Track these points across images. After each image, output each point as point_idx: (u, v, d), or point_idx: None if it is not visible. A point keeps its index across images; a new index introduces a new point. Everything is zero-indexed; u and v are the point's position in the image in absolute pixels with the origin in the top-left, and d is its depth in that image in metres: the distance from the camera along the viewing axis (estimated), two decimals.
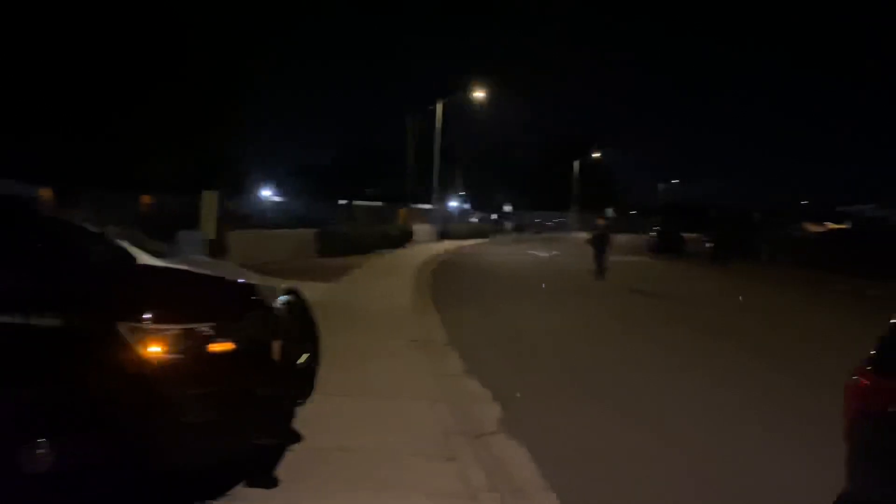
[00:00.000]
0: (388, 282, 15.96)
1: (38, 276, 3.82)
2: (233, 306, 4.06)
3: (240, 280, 4.78)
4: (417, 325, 10.39)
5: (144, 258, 7.69)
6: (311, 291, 13.00)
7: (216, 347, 3.60)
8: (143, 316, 3.44)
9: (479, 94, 37.48)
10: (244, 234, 19.22)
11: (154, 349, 3.39)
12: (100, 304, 3.51)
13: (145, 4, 16.09)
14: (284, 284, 5.41)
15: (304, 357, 4.26)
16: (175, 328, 3.48)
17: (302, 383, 4.25)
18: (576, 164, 65.99)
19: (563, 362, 8.43)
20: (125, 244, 7.76)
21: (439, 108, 35.62)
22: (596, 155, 70.49)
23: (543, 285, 17.63)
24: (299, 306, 4.53)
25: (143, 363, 3.36)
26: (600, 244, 19.46)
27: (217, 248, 15.74)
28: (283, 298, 4.45)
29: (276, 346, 3.78)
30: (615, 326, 11.51)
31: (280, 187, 65.14)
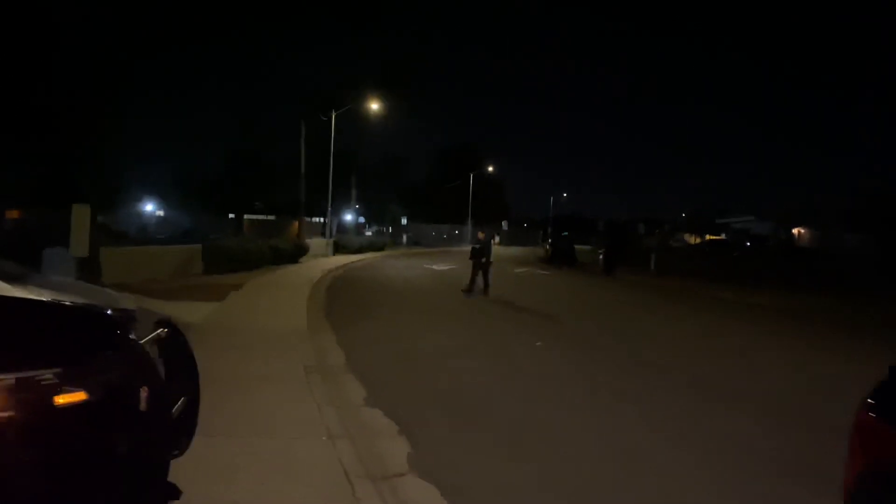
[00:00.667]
0: (279, 299, 15.09)
1: None
2: (86, 344, 3.35)
3: (96, 307, 4.03)
4: (312, 347, 9.70)
5: None
6: (194, 313, 12.13)
7: (64, 400, 2.91)
8: None
9: (373, 106, 36.97)
10: (121, 252, 17.75)
11: None
12: None
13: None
14: (155, 316, 4.65)
15: (179, 402, 3.59)
16: (6, 378, 2.77)
17: (177, 435, 3.58)
18: (470, 176, 66.72)
19: (469, 390, 8.05)
20: None
21: (333, 118, 34.77)
22: (490, 168, 71.66)
23: (438, 301, 17.33)
24: (174, 340, 3.85)
25: None
26: (482, 258, 18.55)
27: (89, 268, 14.33)
28: (152, 333, 3.75)
29: (144, 392, 3.11)
30: (512, 340, 11.30)
31: (164, 200, 61.64)
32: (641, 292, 22.89)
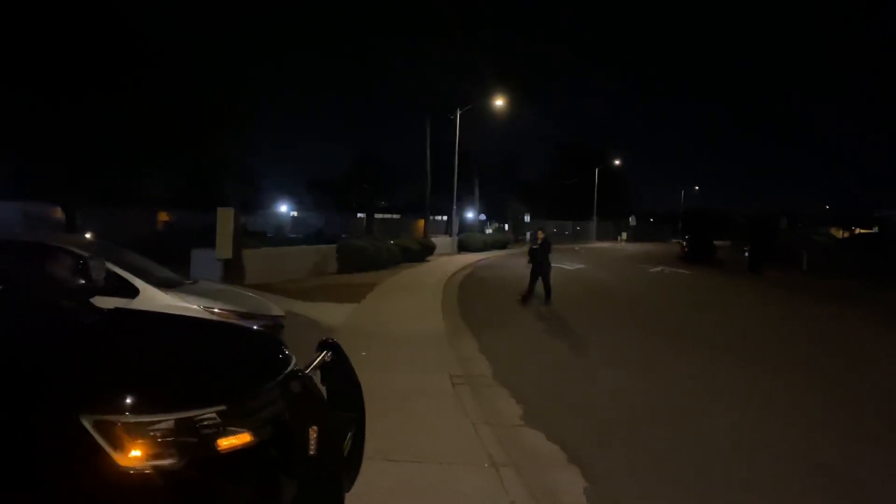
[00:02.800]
0: (414, 301, 14.83)
1: None
2: (250, 374, 2.94)
3: (260, 331, 3.66)
4: (454, 354, 9.23)
5: (149, 291, 6.64)
6: (333, 315, 12.02)
7: (227, 443, 2.49)
8: (119, 401, 2.33)
9: (498, 102, 36.43)
10: (261, 253, 18.20)
11: (135, 454, 2.27)
12: (55, 383, 2.41)
13: (149, 23, 15.28)
14: (311, 327, 4.26)
15: (348, 440, 3.13)
16: (165, 419, 2.37)
17: (344, 475, 3.12)
18: (595, 171, 64.75)
19: (638, 413, 7.24)
20: (126, 274, 6.73)
21: (458, 116, 34.58)
22: (616, 162, 69.20)
23: (574, 303, 16.45)
24: (338, 365, 3.40)
25: (120, 479, 2.23)
26: (539, 260, 15.75)
27: (233, 269, 14.73)
28: (316, 358, 3.31)
29: (313, 433, 2.65)
30: (666, 349, 10.27)
31: (297, 201, 64.46)
32: (797, 294, 20.83)
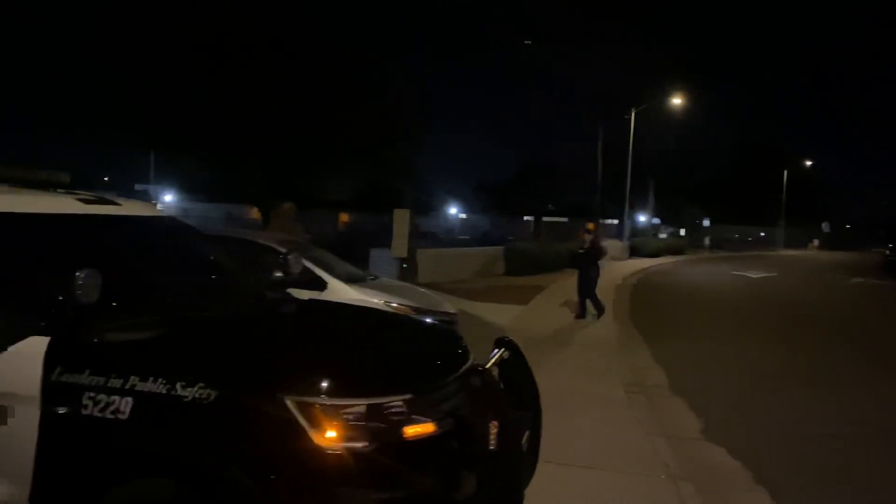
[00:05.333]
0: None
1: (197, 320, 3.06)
2: (434, 367, 3.03)
3: (443, 326, 3.77)
4: (626, 362, 8.94)
5: (336, 285, 7.12)
6: (501, 316, 12.13)
7: (413, 431, 2.58)
8: (318, 385, 2.51)
9: (675, 101, 34.84)
10: (433, 253, 18.81)
11: (330, 434, 2.43)
12: (260, 365, 2.63)
13: (328, 39, 16.37)
14: (485, 327, 4.31)
15: (524, 437, 3.13)
16: (358, 403, 2.51)
17: (523, 473, 3.13)
18: (784, 173, 59.76)
19: (837, 441, 6.56)
20: (316, 268, 7.27)
21: (633, 116, 33.51)
22: (807, 163, 63.37)
23: (758, 316, 15.24)
24: (515, 363, 3.41)
25: (318, 456, 2.40)
26: (587, 265, 12.52)
27: (407, 267, 15.35)
28: (493, 353, 3.35)
29: (493, 428, 2.68)
30: (865, 371, 9.18)
31: (465, 204, 66.13)
32: None
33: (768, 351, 10.39)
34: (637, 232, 47.00)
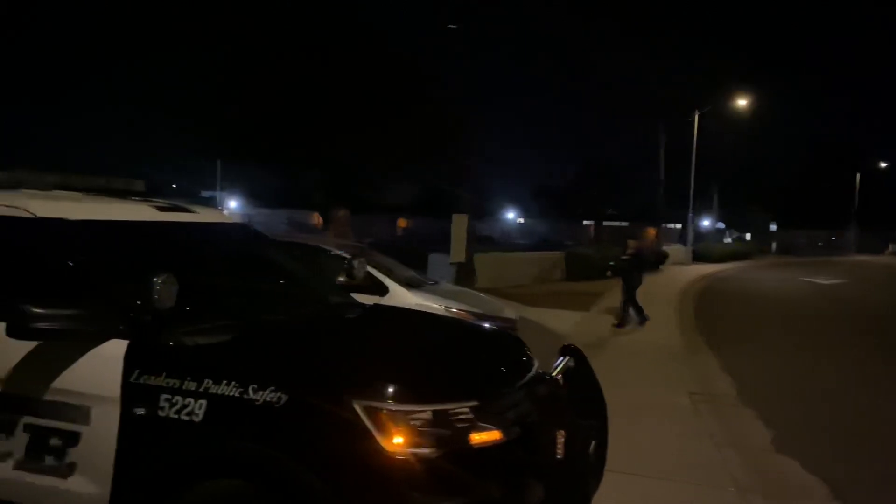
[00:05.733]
0: (646, 312, 14.24)
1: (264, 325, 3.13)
2: (501, 374, 3.01)
3: (499, 329, 3.76)
4: (692, 370, 8.72)
5: (397, 290, 7.16)
6: (561, 322, 12.00)
7: (479, 438, 2.57)
8: (386, 390, 2.52)
9: (740, 102, 33.87)
10: (491, 258, 18.78)
11: (397, 440, 2.44)
12: (329, 370, 2.67)
13: (384, 48, 16.58)
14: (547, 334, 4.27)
15: (591, 446, 3.08)
16: (424, 409, 2.51)
17: (590, 482, 3.08)
18: (857, 175, 57.24)
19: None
20: (378, 274, 7.32)
21: (696, 119, 32.74)
22: (882, 165, 60.56)
23: (832, 325, 14.60)
24: (581, 371, 3.37)
25: (385, 461, 2.41)
26: (629, 273, 12.22)
27: (465, 273, 15.37)
28: (559, 361, 3.31)
29: (560, 437, 2.64)
30: None
31: (523, 209, 65.77)
32: None
33: (841, 360, 9.95)
34: (701, 236, 45.83)
